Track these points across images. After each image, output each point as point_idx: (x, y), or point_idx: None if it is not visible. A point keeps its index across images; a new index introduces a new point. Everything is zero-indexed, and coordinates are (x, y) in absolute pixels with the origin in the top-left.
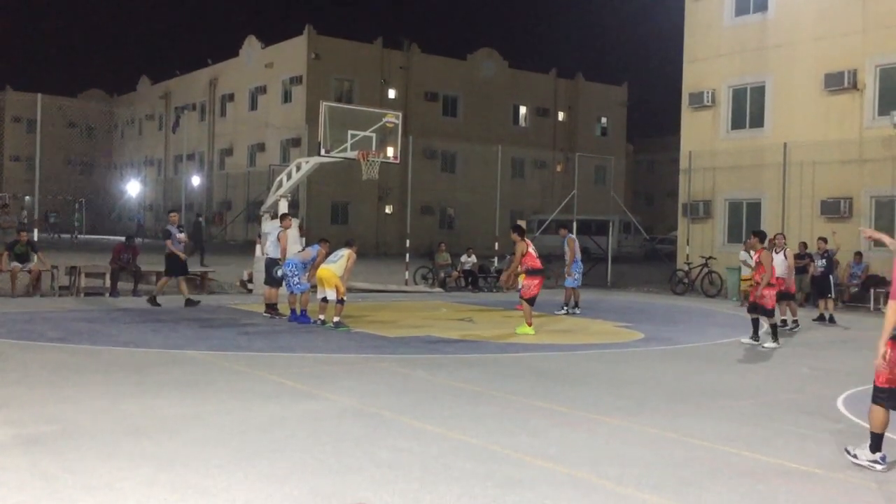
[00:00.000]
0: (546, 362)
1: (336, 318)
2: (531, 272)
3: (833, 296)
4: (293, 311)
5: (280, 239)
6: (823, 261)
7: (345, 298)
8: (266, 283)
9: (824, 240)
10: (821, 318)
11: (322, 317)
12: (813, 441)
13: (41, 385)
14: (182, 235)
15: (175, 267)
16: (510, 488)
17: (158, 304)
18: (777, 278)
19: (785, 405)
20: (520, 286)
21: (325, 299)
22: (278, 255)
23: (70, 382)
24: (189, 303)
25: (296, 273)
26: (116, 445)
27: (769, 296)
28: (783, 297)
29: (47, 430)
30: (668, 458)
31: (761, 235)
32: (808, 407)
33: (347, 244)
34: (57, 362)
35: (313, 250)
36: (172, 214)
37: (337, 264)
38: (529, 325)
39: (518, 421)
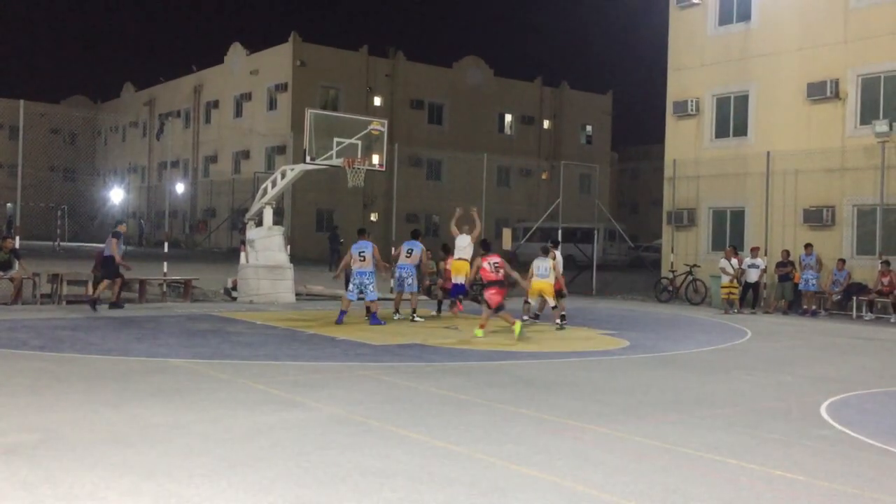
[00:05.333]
0: (531, 370)
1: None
2: (488, 283)
3: None
4: (374, 314)
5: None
6: None
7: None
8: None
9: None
10: None
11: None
12: (797, 448)
13: (22, 393)
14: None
15: (113, 271)
16: (495, 496)
17: (95, 310)
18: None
19: (769, 413)
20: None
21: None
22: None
23: (52, 391)
24: (114, 305)
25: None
26: (99, 454)
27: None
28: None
29: (28, 438)
30: (652, 465)
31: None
32: (792, 414)
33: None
34: (38, 370)
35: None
36: (122, 225)
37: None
38: (481, 327)
39: (503, 429)
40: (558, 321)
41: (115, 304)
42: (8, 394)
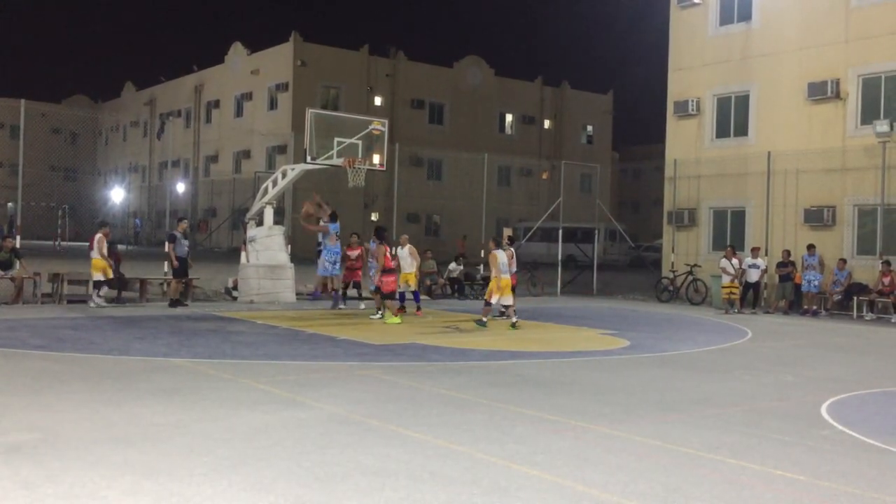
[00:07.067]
0: (532, 370)
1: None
2: (386, 271)
3: None
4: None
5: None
6: None
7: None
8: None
9: None
10: None
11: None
12: (798, 448)
13: (23, 393)
14: (186, 242)
15: (180, 270)
16: (496, 495)
17: (185, 305)
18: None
19: (770, 412)
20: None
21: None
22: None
23: (53, 390)
24: (176, 303)
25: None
26: (99, 454)
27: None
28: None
29: (29, 438)
30: (653, 465)
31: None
32: (792, 414)
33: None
34: (39, 370)
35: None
36: (182, 223)
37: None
38: (395, 314)
39: (504, 428)
40: (485, 318)
41: (177, 302)
42: (9, 393)
